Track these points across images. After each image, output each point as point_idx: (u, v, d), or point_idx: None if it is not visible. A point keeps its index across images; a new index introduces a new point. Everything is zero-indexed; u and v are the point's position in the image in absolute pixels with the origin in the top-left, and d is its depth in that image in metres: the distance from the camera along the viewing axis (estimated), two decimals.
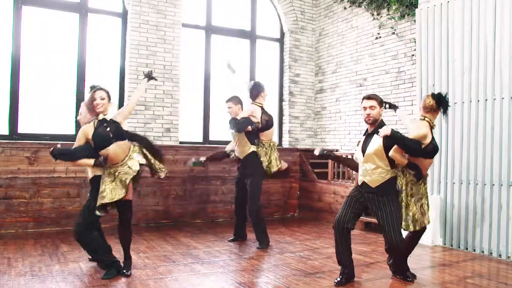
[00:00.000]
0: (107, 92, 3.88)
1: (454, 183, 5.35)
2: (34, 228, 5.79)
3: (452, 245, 5.33)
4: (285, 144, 8.25)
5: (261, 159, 5.20)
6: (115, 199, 3.81)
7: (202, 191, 6.96)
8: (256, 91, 5.28)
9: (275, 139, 8.28)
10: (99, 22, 6.86)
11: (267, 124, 5.24)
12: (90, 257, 4.26)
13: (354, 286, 3.77)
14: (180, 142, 7.15)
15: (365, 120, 3.81)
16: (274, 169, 5.27)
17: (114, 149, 3.80)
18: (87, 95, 3.97)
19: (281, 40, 8.44)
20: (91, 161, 3.81)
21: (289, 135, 8.27)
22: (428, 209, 3.89)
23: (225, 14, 7.84)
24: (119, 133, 3.83)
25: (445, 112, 3.95)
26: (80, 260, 4.35)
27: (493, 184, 4.95)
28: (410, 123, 4.18)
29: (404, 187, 3.82)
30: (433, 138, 3.83)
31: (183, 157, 6.85)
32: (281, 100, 8.41)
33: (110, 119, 3.85)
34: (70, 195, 6.00)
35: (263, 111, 5.25)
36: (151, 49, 6.93)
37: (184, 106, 7.32)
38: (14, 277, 3.76)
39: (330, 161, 7.06)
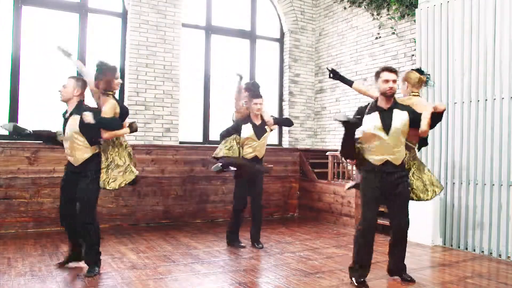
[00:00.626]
0: None
1: (454, 183, 5.35)
2: (34, 228, 5.79)
3: (452, 245, 5.33)
4: (285, 144, 8.25)
5: None
6: (137, 173, 4.08)
7: (202, 191, 6.96)
8: (258, 91, 5.28)
9: (275, 139, 8.32)
10: (99, 22, 6.86)
11: None
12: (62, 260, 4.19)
13: (355, 286, 3.76)
14: (180, 142, 7.15)
15: (385, 93, 3.69)
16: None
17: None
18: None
19: (281, 40, 8.44)
20: (127, 129, 4.03)
21: (289, 135, 8.26)
22: (428, 185, 4.01)
23: (225, 14, 7.84)
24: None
25: (427, 82, 4.27)
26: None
27: (493, 184, 4.95)
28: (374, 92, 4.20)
29: (411, 163, 3.97)
30: None
31: (183, 157, 6.86)
32: (281, 100, 8.41)
33: None
34: None
35: None
36: (151, 49, 6.93)
37: (184, 106, 7.32)
38: (14, 277, 3.76)
39: (330, 161, 7.05)
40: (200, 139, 7.50)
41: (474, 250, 5.10)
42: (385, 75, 3.69)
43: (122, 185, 3.95)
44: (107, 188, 3.90)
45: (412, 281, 3.89)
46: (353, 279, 3.77)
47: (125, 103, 6.79)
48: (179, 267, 4.24)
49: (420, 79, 4.08)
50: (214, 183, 6.98)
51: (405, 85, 4.16)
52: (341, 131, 7.84)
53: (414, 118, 3.71)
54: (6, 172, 5.69)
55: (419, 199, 3.96)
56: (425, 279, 4.02)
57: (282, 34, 8.43)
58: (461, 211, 5.26)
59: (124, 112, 4.06)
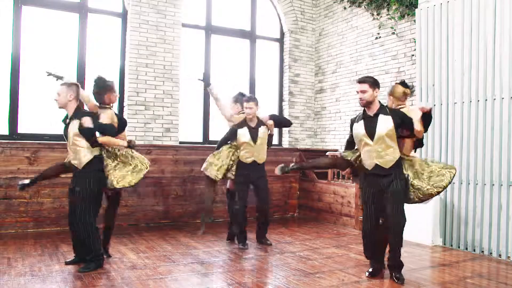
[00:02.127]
0: None
1: (454, 183, 5.35)
2: (34, 228, 5.79)
3: (452, 245, 5.33)
4: (285, 144, 8.26)
5: None
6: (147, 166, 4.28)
7: (202, 191, 6.95)
8: (250, 96, 5.32)
9: (275, 139, 8.31)
10: (99, 22, 6.86)
11: None
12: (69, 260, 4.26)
13: (354, 286, 3.77)
14: (180, 142, 7.15)
15: (359, 103, 3.91)
16: None
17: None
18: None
19: (281, 40, 8.44)
20: (124, 142, 4.26)
21: (289, 135, 8.26)
22: (440, 170, 3.90)
23: (225, 14, 7.84)
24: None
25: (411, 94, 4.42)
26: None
27: (493, 184, 4.95)
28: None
29: (409, 171, 3.94)
30: None
31: (183, 157, 6.86)
32: (281, 100, 8.41)
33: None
34: None
35: None
36: (151, 49, 6.93)
37: (184, 106, 7.32)
38: (14, 277, 3.76)
39: None
40: (200, 139, 7.51)
41: (474, 250, 5.10)
42: (356, 87, 3.92)
43: (133, 183, 4.13)
44: (117, 186, 4.08)
45: (400, 281, 3.85)
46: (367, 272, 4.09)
47: (125, 103, 6.81)
48: (179, 267, 4.24)
49: (405, 93, 4.13)
50: None
51: (390, 99, 4.21)
52: (341, 130, 7.87)
53: (404, 121, 3.83)
54: (6, 172, 5.69)
55: (434, 190, 3.86)
56: (425, 279, 4.02)
57: (282, 34, 8.44)
58: (461, 211, 5.26)
59: (121, 123, 4.32)
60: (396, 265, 3.94)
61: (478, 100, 5.13)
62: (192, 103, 7.52)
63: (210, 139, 7.53)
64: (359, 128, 3.91)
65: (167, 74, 7.04)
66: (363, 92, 3.83)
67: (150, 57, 6.92)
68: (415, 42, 6.36)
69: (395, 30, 6.86)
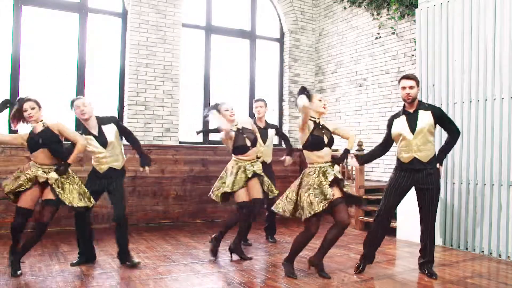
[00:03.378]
0: (35, 101, 4.00)
1: (454, 183, 5.35)
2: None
3: (452, 245, 5.33)
4: None
5: None
6: None
7: (202, 191, 6.96)
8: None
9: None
10: (99, 22, 6.86)
11: None
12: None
13: (354, 286, 3.77)
14: (180, 142, 7.15)
15: (404, 99, 4.03)
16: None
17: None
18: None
19: (281, 40, 8.44)
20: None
21: (289, 135, 8.25)
22: (313, 200, 3.94)
23: (225, 14, 7.84)
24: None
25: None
26: None
27: (493, 184, 4.95)
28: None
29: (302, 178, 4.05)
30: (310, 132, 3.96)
31: (183, 157, 6.86)
32: (281, 100, 8.41)
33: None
34: None
35: None
36: (151, 49, 6.93)
37: (184, 106, 7.32)
38: (14, 277, 3.76)
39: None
40: (200, 139, 7.50)
41: (474, 250, 5.10)
42: (402, 82, 4.03)
43: None
44: None
45: (434, 276, 4.02)
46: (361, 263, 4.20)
47: (125, 103, 6.82)
48: (179, 267, 4.24)
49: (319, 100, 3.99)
50: (214, 183, 6.96)
51: (306, 113, 4.04)
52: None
53: (442, 118, 4.03)
54: (6, 172, 5.69)
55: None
56: (425, 279, 4.01)
57: (282, 34, 8.43)
58: (461, 211, 5.26)
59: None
60: (432, 261, 4.14)
61: (478, 100, 5.13)
62: (192, 103, 7.52)
63: (210, 139, 7.53)
64: (400, 123, 4.05)
65: (167, 74, 7.04)
66: (411, 88, 3.96)
67: (150, 57, 6.92)
68: (415, 42, 6.36)
69: (395, 30, 6.86)
